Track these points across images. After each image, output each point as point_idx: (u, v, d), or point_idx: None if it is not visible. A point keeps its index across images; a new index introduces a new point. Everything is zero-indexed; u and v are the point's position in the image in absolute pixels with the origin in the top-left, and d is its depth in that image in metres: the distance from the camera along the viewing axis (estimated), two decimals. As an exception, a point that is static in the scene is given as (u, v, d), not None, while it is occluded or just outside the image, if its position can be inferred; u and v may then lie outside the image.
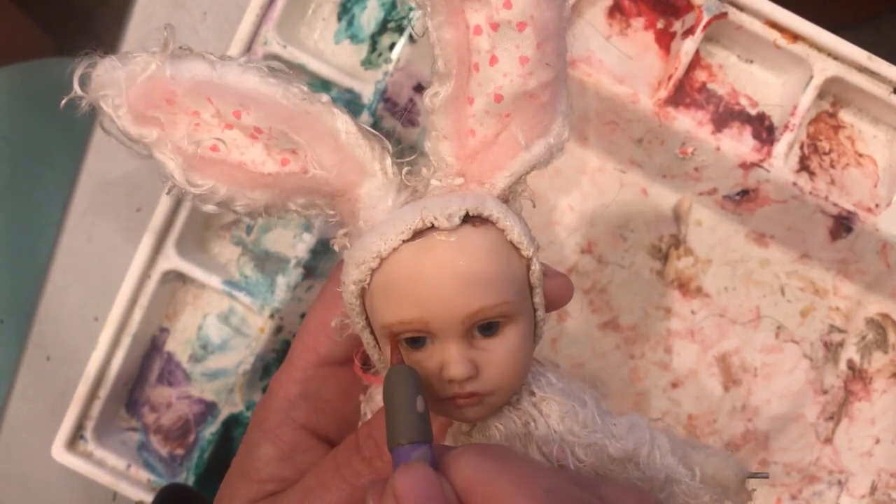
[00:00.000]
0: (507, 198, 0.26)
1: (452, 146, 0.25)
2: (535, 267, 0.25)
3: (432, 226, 0.24)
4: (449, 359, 0.24)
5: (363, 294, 0.25)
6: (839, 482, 0.47)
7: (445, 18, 0.23)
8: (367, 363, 0.28)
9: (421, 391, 0.23)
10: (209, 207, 0.26)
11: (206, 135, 0.25)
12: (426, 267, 0.24)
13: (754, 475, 0.30)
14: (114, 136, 0.25)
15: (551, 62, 0.24)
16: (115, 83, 0.24)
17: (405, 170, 0.26)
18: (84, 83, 0.24)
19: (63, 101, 0.24)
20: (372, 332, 0.26)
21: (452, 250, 0.24)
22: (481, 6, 0.23)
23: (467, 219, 0.24)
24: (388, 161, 0.26)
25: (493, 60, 0.24)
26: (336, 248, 0.27)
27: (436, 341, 0.24)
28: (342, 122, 0.25)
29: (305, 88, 0.25)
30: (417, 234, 0.24)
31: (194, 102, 0.25)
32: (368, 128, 0.26)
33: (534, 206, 0.27)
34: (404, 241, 0.24)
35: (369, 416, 0.29)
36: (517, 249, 0.25)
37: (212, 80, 0.25)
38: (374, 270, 0.24)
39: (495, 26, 0.23)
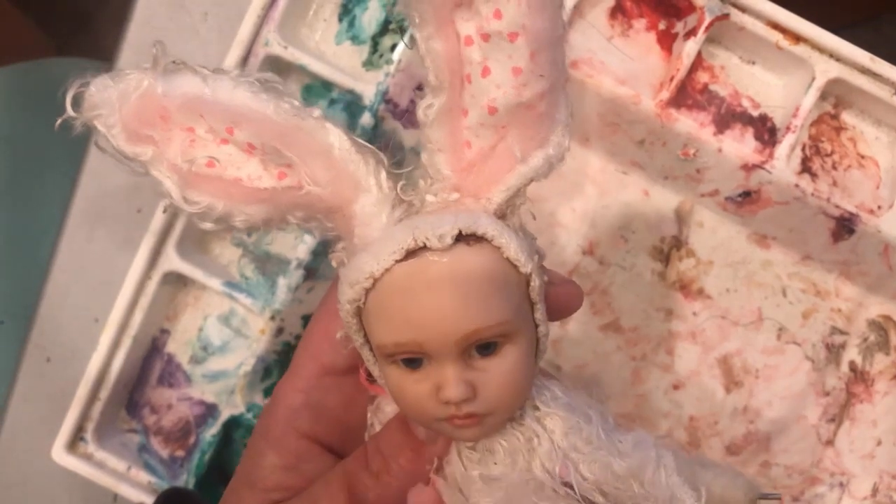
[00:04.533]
0: (504, 212, 0.25)
1: (448, 159, 0.25)
2: (536, 283, 0.25)
3: (425, 245, 0.23)
4: (445, 381, 0.24)
5: (359, 313, 0.25)
6: (841, 484, 0.46)
7: (435, 30, 0.23)
8: (372, 373, 0.28)
9: None
10: (207, 225, 0.25)
11: (201, 151, 0.25)
12: (419, 288, 0.23)
13: (766, 496, 0.30)
14: (110, 155, 0.25)
15: (545, 73, 0.23)
16: (107, 102, 0.24)
17: (401, 183, 0.25)
18: (77, 103, 0.24)
19: (57, 123, 0.24)
20: (371, 349, 0.26)
21: (445, 271, 0.23)
22: (471, 16, 0.23)
23: (461, 237, 0.24)
24: (383, 175, 0.25)
25: (486, 72, 0.23)
26: (334, 263, 0.27)
27: (432, 362, 0.24)
28: (335, 136, 0.25)
29: (297, 103, 0.25)
30: (410, 253, 0.24)
31: (188, 119, 0.25)
32: (362, 141, 0.25)
33: (534, 219, 0.27)
34: (397, 262, 0.24)
35: (377, 427, 0.29)
36: (515, 266, 0.24)
37: (203, 96, 0.24)
38: (368, 290, 0.24)
39: (486, 37, 0.23)
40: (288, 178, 0.25)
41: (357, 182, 0.25)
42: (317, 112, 0.25)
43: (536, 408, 0.26)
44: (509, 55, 0.23)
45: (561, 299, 0.27)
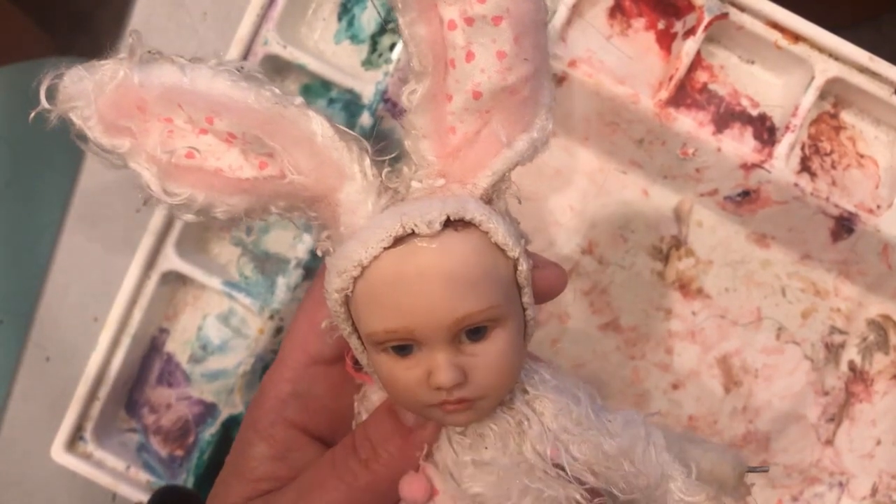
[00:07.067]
0: (490, 197, 0.25)
1: (433, 145, 0.25)
2: (523, 267, 0.25)
3: (413, 232, 0.23)
4: (436, 366, 0.24)
5: (347, 301, 0.25)
6: (840, 484, 0.46)
7: (418, 14, 0.22)
8: (358, 362, 0.28)
9: None
10: (188, 217, 0.25)
11: (181, 142, 0.24)
12: (408, 274, 0.23)
13: (753, 469, 0.30)
14: (87, 149, 0.24)
15: (530, 56, 0.23)
16: (83, 94, 0.23)
17: (385, 170, 0.25)
18: (52, 95, 0.23)
19: (31, 115, 0.23)
20: (359, 337, 0.26)
21: (435, 256, 0.23)
22: (454, 0, 0.22)
23: (449, 223, 0.24)
24: (367, 162, 0.25)
25: (470, 56, 0.23)
26: (319, 252, 0.26)
27: (422, 348, 0.24)
28: (317, 124, 0.25)
29: (278, 91, 0.24)
30: (398, 240, 0.24)
31: (166, 109, 0.24)
32: (345, 128, 0.25)
33: (520, 203, 0.27)
34: (385, 249, 0.24)
35: (364, 415, 0.29)
36: (502, 251, 0.25)
37: (181, 85, 0.24)
38: (356, 279, 0.24)
39: (470, 21, 0.22)
40: (269, 168, 0.25)
41: (341, 170, 0.25)
42: (298, 100, 0.25)
43: (526, 391, 0.26)
44: (493, 39, 0.23)
45: (546, 282, 0.27)
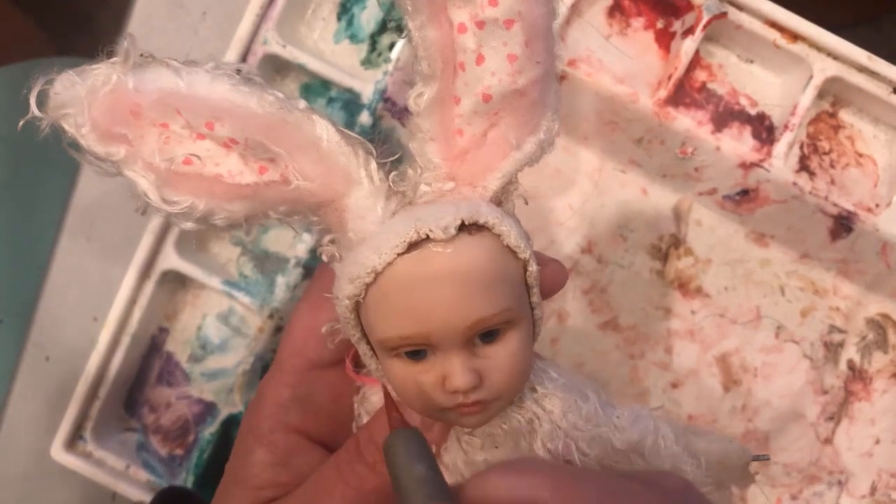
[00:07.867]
0: (500, 199, 0.25)
1: (440, 148, 0.24)
2: (533, 267, 0.25)
3: (427, 237, 0.23)
4: (451, 370, 0.24)
5: (357, 307, 0.25)
6: (839, 482, 0.46)
7: (427, 17, 0.22)
8: (358, 364, 0.28)
9: (428, 452, 0.23)
10: (187, 225, 0.24)
11: (178, 148, 0.24)
12: (423, 280, 0.23)
13: (757, 458, 0.31)
14: (80, 158, 0.23)
15: (541, 59, 0.23)
16: (75, 100, 0.22)
17: (392, 174, 0.25)
18: (42, 102, 0.22)
19: (20, 124, 0.22)
20: (368, 343, 0.26)
21: (449, 262, 0.23)
22: (464, 3, 0.22)
23: (462, 227, 0.24)
24: (374, 166, 0.25)
25: (480, 59, 0.23)
26: (325, 258, 0.26)
27: (437, 353, 0.24)
28: (322, 128, 0.24)
29: (281, 95, 0.24)
30: (412, 246, 0.23)
31: (162, 115, 0.23)
32: (350, 132, 0.25)
33: (526, 204, 0.27)
34: (399, 255, 0.23)
35: (364, 417, 0.29)
36: (514, 252, 0.25)
37: (178, 90, 0.23)
38: (368, 285, 0.24)
39: (481, 24, 0.22)
40: (269, 173, 0.24)
41: (348, 175, 0.25)
42: (302, 104, 0.24)
43: (534, 389, 0.27)
44: (504, 42, 0.23)
45: (547, 279, 0.27)
